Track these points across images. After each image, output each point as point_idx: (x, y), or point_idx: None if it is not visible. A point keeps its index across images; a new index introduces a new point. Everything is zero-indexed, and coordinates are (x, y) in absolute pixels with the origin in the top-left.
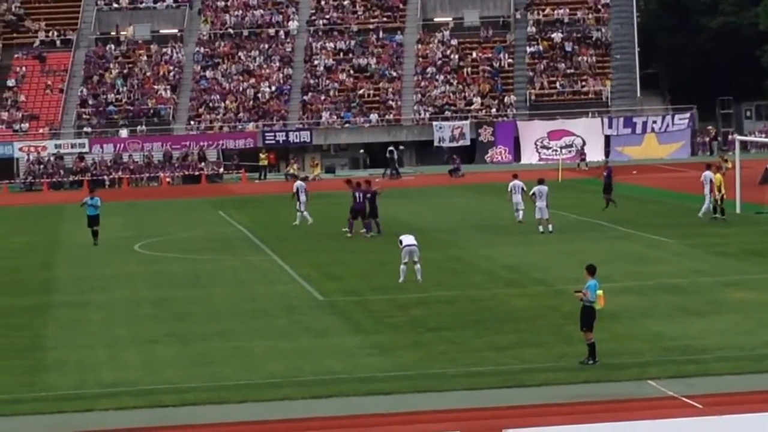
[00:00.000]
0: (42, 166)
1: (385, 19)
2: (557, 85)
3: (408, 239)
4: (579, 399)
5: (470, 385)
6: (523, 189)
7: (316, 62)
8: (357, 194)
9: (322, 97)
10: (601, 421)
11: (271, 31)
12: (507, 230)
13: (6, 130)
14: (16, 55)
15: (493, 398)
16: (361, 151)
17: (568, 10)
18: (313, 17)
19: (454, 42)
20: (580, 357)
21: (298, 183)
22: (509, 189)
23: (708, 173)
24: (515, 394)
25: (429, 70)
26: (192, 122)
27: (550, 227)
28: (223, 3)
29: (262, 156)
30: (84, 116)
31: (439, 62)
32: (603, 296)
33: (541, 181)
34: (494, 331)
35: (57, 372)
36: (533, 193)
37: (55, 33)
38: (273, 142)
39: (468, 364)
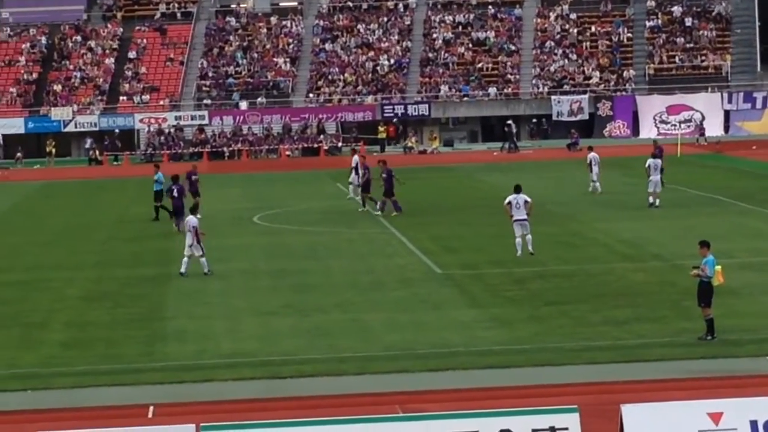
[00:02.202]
0: (162, 138)
1: None
2: (676, 59)
3: (517, 199)
4: (696, 374)
5: (587, 360)
6: (598, 162)
7: (434, 36)
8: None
9: (441, 71)
10: (719, 397)
11: (390, 4)
12: (624, 204)
13: (127, 102)
14: (137, 28)
15: (610, 373)
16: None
17: None
18: None
19: (573, 16)
20: (698, 333)
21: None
22: (588, 161)
23: None
24: (632, 368)
25: (548, 44)
26: (311, 95)
27: (658, 201)
28: None
29: (380, 129)
30: (204, 88)
31: (558, 36)
32: (721, 272)
33: (654, 156)
34: (611, 305)
35: (176, 342)
36: (648, 166)
37: (176, 6)
38: (392, 115)
39: (585, 338)
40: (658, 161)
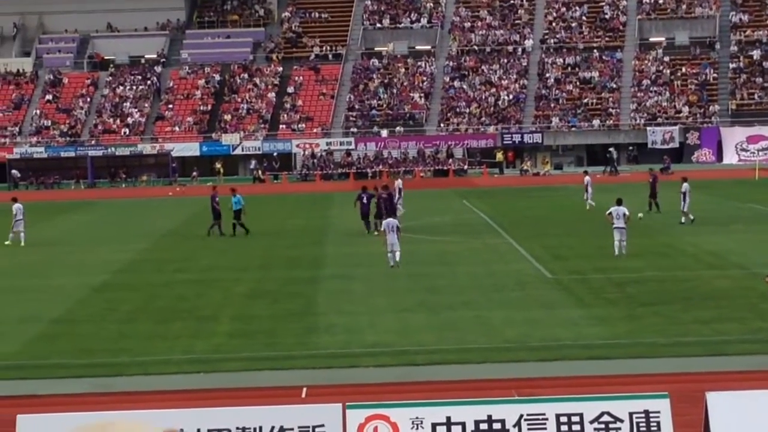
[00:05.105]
0: (315, 160)
1: (607, 38)
2: (755, 96)
3: (617, 210)
4: None
5: (677, 353)
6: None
7: (547, 75)
8: (363, 197)
9: (552, 105)
10: None
11: (510, 48)
12: (709, 220)
13: (286, 130)
14: (294, 67)
15: (696, 365)
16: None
17: (766, 32)
18: (546, 36)
19: (666, 58)
20: None
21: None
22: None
23: None
24: (716, 361)
25: (644, 82)
26: (441, 124)
27: (683, 219)
28: (469, 24)
29: (498, 154)
30: (351, 118)
31: (653, 76)
32: None
33: (684, 180)
34: (698, 307)
35: (326, 334)
36: (683, 192)
37: (328, 48)
38: (510, 142)
39: (675, 334)
40: (686, 185)
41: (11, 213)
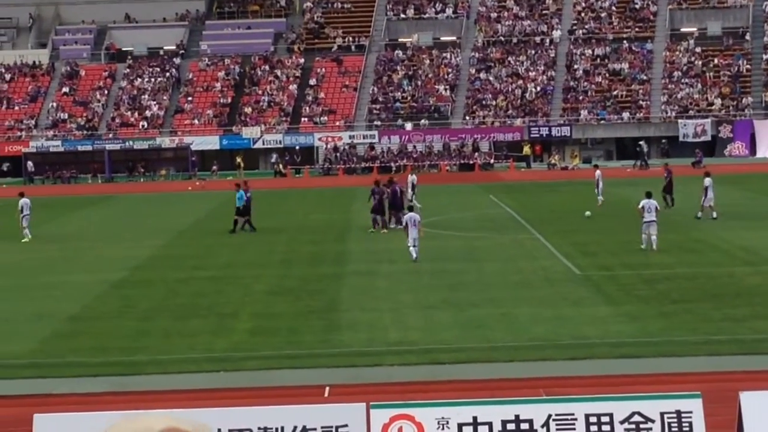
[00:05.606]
0: (338, 154)
1: (637, 29)
2: None
3: (649, 203)
4: None
5: (709, 352)
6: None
7: (576, 66)
8: (374, 197)
9: (581, 97)
10: None
11: (537, 39)
12: (742, 216)
13: (308, 123)
14: (316, 59)
15: (729, 363)
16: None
17: None
18: (574, 27)
19: (698, 49)
20: None
21: None
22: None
23: None
24: (750, 360)
25: (675, 74)
26: (467, 117)
27: (705, 213)
28: (495, 14)
29: (526, 147)
30: (374, 111)
31: (685, 67)
32: None
33: (707, 174)
34: (730, 304)
35: (349, 331)
36: (706, 187)
37: (350, 39)
38: (537, 135)
39: (707, 333)
40: (708, 180)
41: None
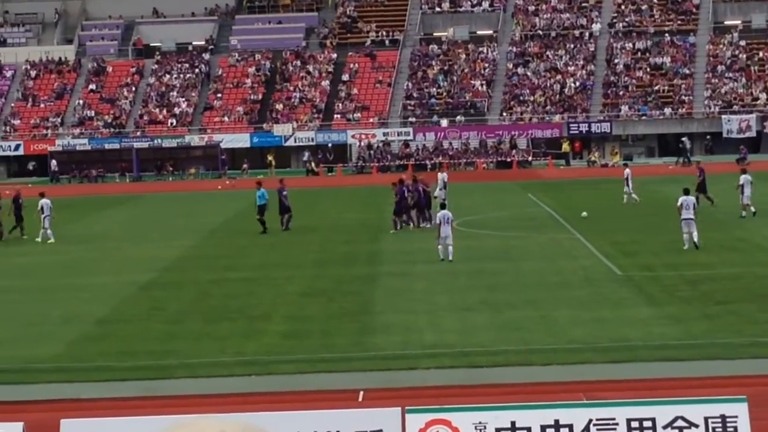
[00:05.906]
0: (371, 152)
1: (679, 22)
2: None
3: (687, 200)
4: None
5: (755, 354)
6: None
7: (616, 61)
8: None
9: (621, 92)
10: None
11: (576, 32)
12: None
13: (341, 120)
14: (349, 53)
15: None
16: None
17: None
18: (614, 20)
19: (742, 43)
20: None
21: None
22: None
23: None
24: None
25: (719, 68)
26: (504, 114)
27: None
28: (533, 7)
29: (565, 144)
30: (409, 107)
31: (728, 61)
32: None
33: (743, 171)
34: None
35: (383, 334)
36: (741, 185)
37: (384, 33)
38: (576, 131)
39: (752, 334)
40: (748, 177)
41: (36, 208)
